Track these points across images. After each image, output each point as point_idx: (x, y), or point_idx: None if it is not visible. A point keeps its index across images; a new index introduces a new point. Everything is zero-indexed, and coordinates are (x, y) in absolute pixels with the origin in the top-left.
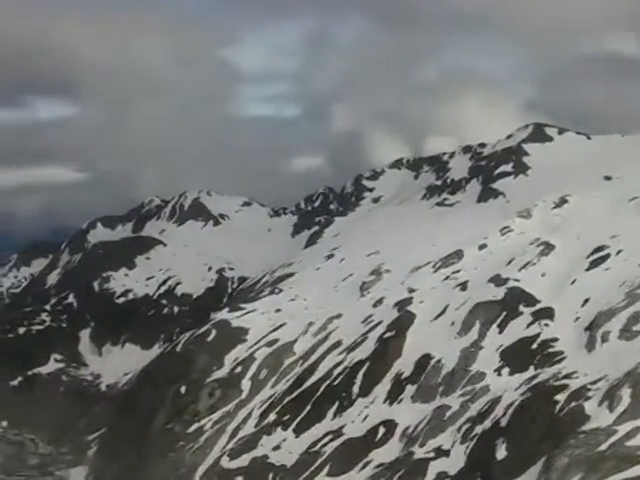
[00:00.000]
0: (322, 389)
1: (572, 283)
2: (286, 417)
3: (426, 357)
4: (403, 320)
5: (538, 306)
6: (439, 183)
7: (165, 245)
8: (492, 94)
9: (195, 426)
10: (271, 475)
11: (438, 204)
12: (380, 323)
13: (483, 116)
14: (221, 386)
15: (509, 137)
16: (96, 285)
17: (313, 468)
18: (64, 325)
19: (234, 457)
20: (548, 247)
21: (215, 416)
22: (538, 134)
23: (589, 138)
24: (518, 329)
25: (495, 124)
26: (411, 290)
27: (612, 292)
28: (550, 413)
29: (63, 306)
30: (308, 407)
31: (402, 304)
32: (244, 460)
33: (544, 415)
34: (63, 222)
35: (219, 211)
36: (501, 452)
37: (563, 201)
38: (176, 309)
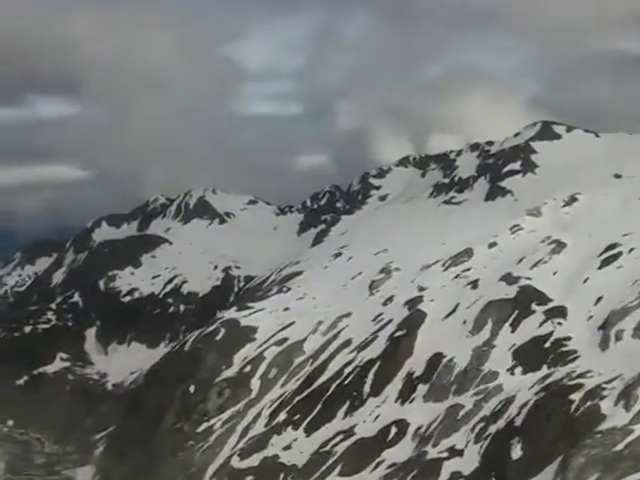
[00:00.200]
0: (333, 388)
1: (584, 281)
2: (296, 417)
3: (438, 356)
4: (414, 319)
5: (550, 305)
6: (446, 181)
7: (171, 244)
8: (497, 91)
9: (204, 426)
10: (282, 475)
11: (446, 202)
12: (390, 322)
13: (488, 114)
14: (230, 385)
15: (517, 135)
16: (102, 284)
17: (324, 468)
18: (70, 324)
19: (244, 457)
20: (559, 245)
21: (224, 416)
22: (546, 132)
23: (597, 136)
24: (531, 328)
25: (500, 122)
26: (421, 288)
27: (625, 290)
28: (565, 413)
29: (69, 305)
30: (319, 406)
31: (412, 303)
32: (254, 460)
33: (559, 415)
34: (67, 220)
35: (225, 209)
36: (516, 452)
37: (573, 199)
38: (182, 308)
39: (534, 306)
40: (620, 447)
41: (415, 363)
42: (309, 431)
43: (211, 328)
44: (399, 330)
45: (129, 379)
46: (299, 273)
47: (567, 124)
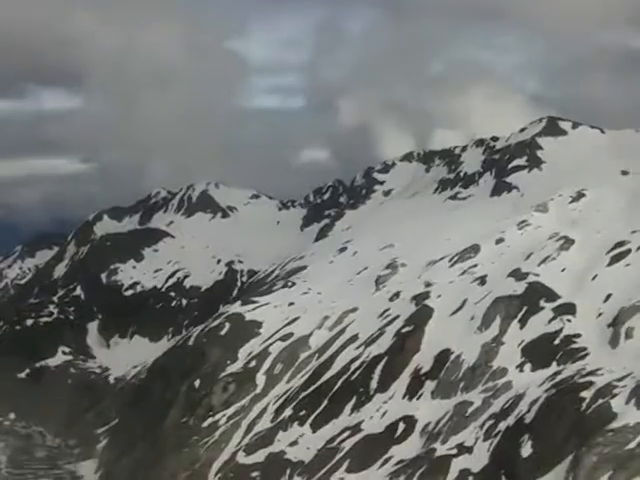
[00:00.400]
0: (339, 384)
1: (593, 279)
2: (302, 412)
3: (446, 352)
4: (421, 314)
5: (559, 301)
6: (452, 177)
7: (173, 237)
8: (500, 88)
9: (209, 421)
10: (288, 471)
11: (451, 197)
12: (397, 317)
13: (491, 110)
14: (235, 380)
15: (522, 130)
16: (104, 277)
17: (331, 464)
18: (72, 317)
19: (250, 452)
20: (567, 242)
21: (230, 411)
22: (552, 128)
23: (603, 132)
24: (539, 325)
25: (503, 118)
26: (428, 284)
27: (634, 288)
28: (576, 410)
29: (71, 298)
30: (325, 402)
31: (419, 298)
32: (260, 456)
33: (570, 412)
34: (67, 213)
35: (227, 203)
36: (526, 449)
37: (580, 195)
38: (184, 302)
39: (543, 303)
40: (632, 445)
41: (422, 359)
42: (315, 427)
43: (216, 323)
44: (406, 326)
45: (131, 373)
46: (304, 268)
47: (572, 120)
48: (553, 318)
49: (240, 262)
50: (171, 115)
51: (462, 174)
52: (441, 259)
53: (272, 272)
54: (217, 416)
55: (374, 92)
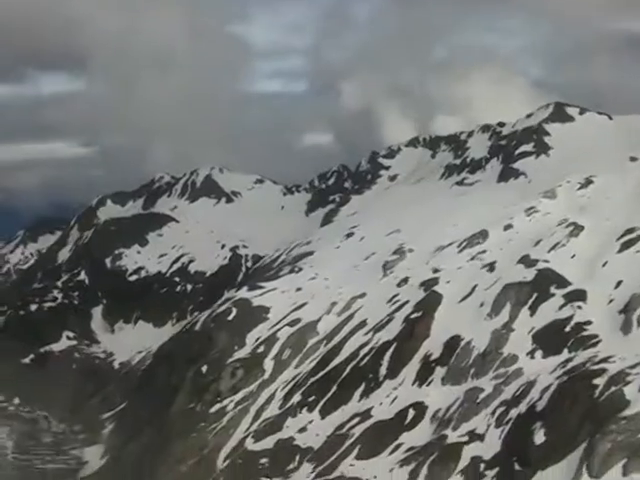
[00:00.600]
0: (348, 370)
1: (603, 265)
2: (311, 398)
3: (455, 338)
4: (430, 300)
5: (569, 288)
6: (458, 162)
7: (178, 222)
8: (503, 73)
9: (217, 406)
10: (297, 457)
11: (457, 183)
12: (406, 303)
13: (494, 95)
14: (243, 366)
15: (529, 116)
16: (108, 262)
17: (341, 451)
18: (76, 302)
19: (259, 439)
20: (577, 228)
21: (237, 396)
22: (559, 114)
23: (610, 118)
24: (550, 311)
25: (506, 103)
26: (436, 270)
27: None
28: (589, 398)
29: (75, 283)
30: (334, 388)
31: (428, 284)
32: (269, 442)
33: (583, 400)
34: (67, 198)
35: (231, 188)
36: (539, 437)
37: (588, 182)
38: (189, 287)
39: (553, 289)
40: None
41: (432, 345)
42: (324, 413)
43: (223, 308)
44: (415, 312)
45: (136, 358)
46: (310, 253)
47: (579, 106)
48: (564, 305)
49: (245, 247)
50: (172, 99)
51: (468, 160)
52: (449, 245)
53: (278, 257)
54: (225, 402)
55: (377, 77)
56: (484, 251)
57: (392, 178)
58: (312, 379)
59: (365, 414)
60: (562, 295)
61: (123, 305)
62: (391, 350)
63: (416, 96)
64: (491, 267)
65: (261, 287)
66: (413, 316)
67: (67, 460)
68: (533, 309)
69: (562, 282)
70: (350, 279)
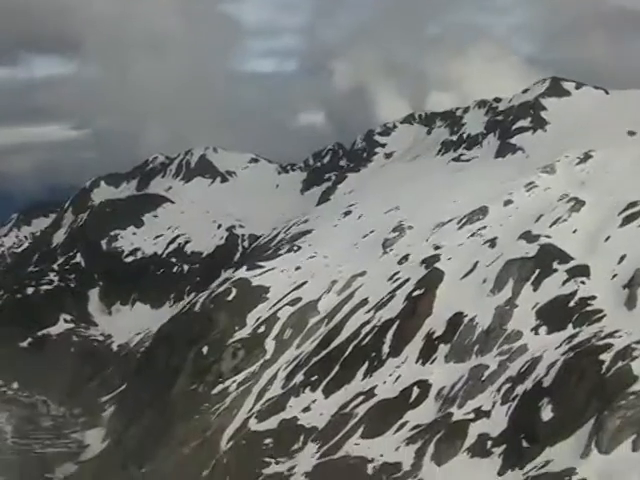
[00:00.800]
0: (350, 349)
1: (606, 240)
2: (314, 378)
3: (458, 315)
4: (432, 277)
5: (572, 263)
6: (454, 138)
7: (173, 203)
8: (497, 49)
9: (219, 387)
10: (302, 437)
11: (454, 159)
12: (407, 281)
13: (487, 72)
14: (244, 346)
15: (525, 91)
16: (104, 244)
17: (346, 430)
18: (72, 285)
19: (262, 419)
20: (578, 203)
21: (239, 377)
22: (555, 88)
23: (607, 93)
24: (553, 287)
25: (500, 80)
26: (437, 247)
27: None
28: (596, 373)
29: (71, 266)
30: (336, 367)
31: (429, 261)
32: (273, 422)
33: (590, 376)
34: (61, 181)
35: (226, 168)
36: (547, 413)
37: (587, 156)
38: (186, 267)
39: (556, 265)
40: None
41: (435, 323)
42: (328, 392)
43: (222, 288)
44: (417, 289)
45: (134, 340)
46: (308, 232)
47: (575, 81)
48: (567, 280)
49: (241, 227)
50: (165, 81)
51: (465, 136)
52: (449, 221)
53: (275, 236)
54: (227, 383)
55: (371, 55)
56: (484, 227)
57: (388, 155)
58: (314, 358)
59: (369, 393)
60: (565, 270)
61: (120, 287)
62: (393, 328)
63: (409, 73)
64: (492, 243)
65: (260, 267)
66: (415, 294)
67: (68, 444)
68: (536, 285)
69: (564, 257)
70: (350, 257)
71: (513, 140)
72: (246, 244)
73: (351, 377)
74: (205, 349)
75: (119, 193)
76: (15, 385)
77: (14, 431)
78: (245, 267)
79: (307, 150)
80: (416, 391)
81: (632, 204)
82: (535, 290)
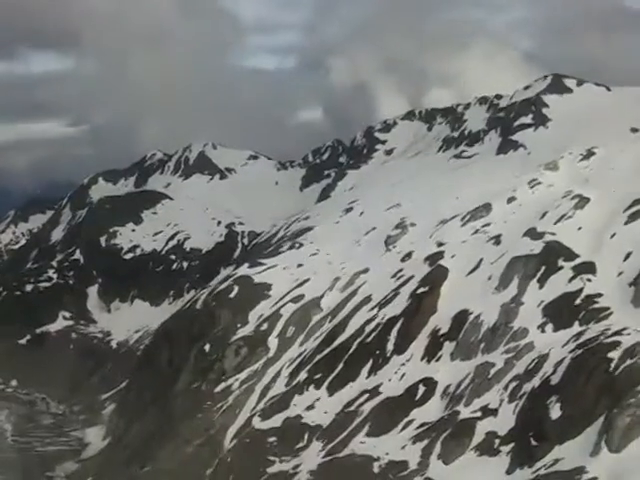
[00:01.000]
0: (354, 346)
1: (611, 237)
2: (318, 376)
3: (463, 313)
4: (436, 275)
5: (578, 260)
6: (456, 135)
7: (172, 199)
8: (494, 46)
9: (222, 385)
10: (306, 435)
11: (456, 156)
12: (411, 278)
13: (485, 69)
14: (247, 344)
15: (527, 88)
16: (103, 241)
17: (351, 428)
18: (71, 282)
19: (266, 417)
20: (582, 200)
21: (242, 375)
22: (556, 85)
23: (609, 90)
24: (559, 284)
25: (498, 76)
26: (440, 244)
27: None
28: (605, 371)
29: (70, 262)
30: (340, 365)
31: (433, 258)
32: (277, 420)
33: (599, 373)
34: (58, 177)
35: (225, 165)
36: (555, 411)
37: (590, 153)
38: (185, 264)
39: (561, 262)
40: None
41: (440, 320)
42: (332, 390)
43: (224, 285)
44: (421, 286)
45: (134, 337)
46: (309, 229)
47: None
48: (573, 277)
49: (240, 224)
50: (164, 77)
51: (466, 132)
52: (452, 218)
53: (276, 233)
54: (230, 381)
55: (370, 51)
56: (488, 224)
57: (388, 152)
58: (318, 356)
59: (374, 391)
60: (571, 268)
61: (119, 284)
62: (398, 326)
63: (409, 70)
64: (497, 240)
65: (262, 264)
66: (419, 291)
67: (68, 442)
68: (542, 282)
69: (570, 255)
70: (352, 254)
71: (515, 137)
72: (246, 241)
73: (355, 375)
74: (207, 347)
75: (117, 190)
76: (14, 382)
77: (14, 429)
78: (247, 264)
79: (306, 147)
80: (422, 389)
81: (637, 201)
82: (541, 287)
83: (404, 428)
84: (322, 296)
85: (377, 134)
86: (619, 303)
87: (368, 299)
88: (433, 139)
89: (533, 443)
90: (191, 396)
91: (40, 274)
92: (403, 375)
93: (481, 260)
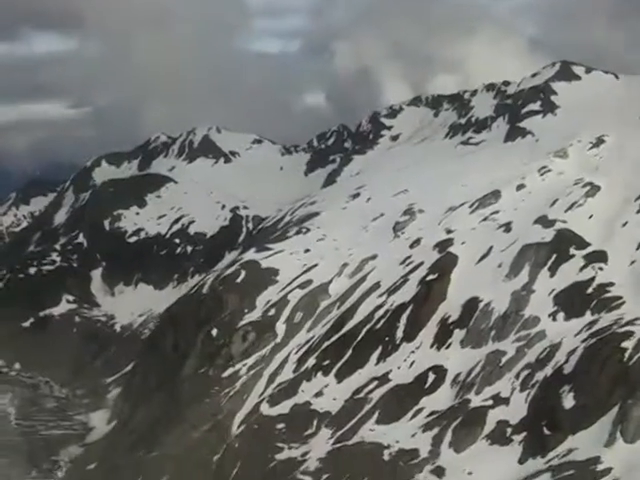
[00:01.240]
0: (363, 333)
1: (623, 225)
2: (326, 362)
3: (474, 300)
4: (445, 262)
5: (589, 249)
6: (463, 121)
7: (176, 183)
8: (499, 32)
9: (230, 371)
10: (315, 422)
11: (463, 143)
12: (421, 265)
13: (490, 55)
14: (255, 329)
15: (535, 75)
16: (106, 224)
17: (360, 415)
18: (75, 265)
19: (274, 403)
20: (593, 188)
21: (250, 361)
22: (565, 72)
23: (617, 77)
24: (570, 273)
25: (503, 63)
26: (449, 231)
27: None
28: (619, 361)
29: (73, 246)
30: (349, 352)
31: (442, 245)
32: (285, 407)
33: (613, 363)
34: (60, 159)
35: (229, 148)
36: (568, 401)
37: (600, 141)
38: (189, 248)
39: (573, 250)
40: None
41: (450, 308)
42: (340, 377)
43: (231, 270)
44: (431, 273)
45: (137, 321)
46: (316, 214)
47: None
48: (584, 266)
49: (245, 208)
50: (168, 59)
51: (473, 119)
52: (460, 205)
53: (282, 218)
54: (237, 366)
55: (376, 36)
56: (497, 211)
57: (394, 138)
58: (326, 342)
59: (383, 378)
60: (582, 256)
61: (123, 267)
62: (407, 312)
63: (414, 55)
64: (507, 228)
65: (269, 248)
66: (429, 278)
67: (72, 426)
68: (553, 270)
69: (582, 243)
70: (360, 240)
71: (523, 124)
72: (250, 225)
73: (364, 362)
74: (214, 332)
75: (121, 173)
76: (17, 366)
77: (17, 412)
78: (254, 249)
79: (311, 131)
80: (432, 377)
81: None
82: (552, 276)
83: (414, 416)
84: (330, 282)
85: (383, 119)
86: (631, 292)
87: (377, 285)
88: (439, 125)
89: (546, 432)
90: (198, 381)
91: (43, 257)
92: (412, 363)
93: (491, 248)
